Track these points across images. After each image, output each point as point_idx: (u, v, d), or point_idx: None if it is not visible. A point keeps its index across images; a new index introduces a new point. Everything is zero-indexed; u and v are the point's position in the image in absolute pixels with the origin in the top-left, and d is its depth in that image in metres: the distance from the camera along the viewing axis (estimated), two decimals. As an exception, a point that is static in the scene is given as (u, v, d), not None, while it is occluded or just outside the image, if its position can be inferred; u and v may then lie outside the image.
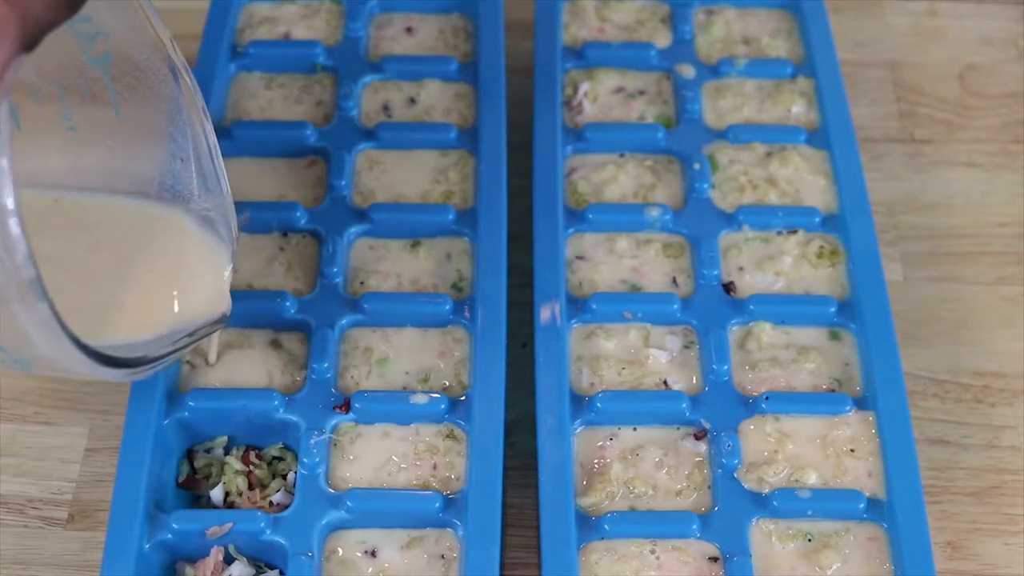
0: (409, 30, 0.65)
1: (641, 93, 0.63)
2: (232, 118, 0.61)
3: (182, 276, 0.48)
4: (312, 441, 0.50)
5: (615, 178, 0.59)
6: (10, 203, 0.34)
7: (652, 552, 0.48)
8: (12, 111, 0.38)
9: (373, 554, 0.48)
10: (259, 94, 0.62)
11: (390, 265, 0.56)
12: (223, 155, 0.59)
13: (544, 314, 0.54)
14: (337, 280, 0.55)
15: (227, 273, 0.50)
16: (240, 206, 0.57)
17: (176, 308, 0.48)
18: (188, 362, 0.53)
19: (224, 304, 0.50)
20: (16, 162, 0.34)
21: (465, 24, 0.65)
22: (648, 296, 0.55)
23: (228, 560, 0.49)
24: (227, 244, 0.50)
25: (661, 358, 0.53)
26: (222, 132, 0.60)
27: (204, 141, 0.48)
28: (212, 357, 0.53)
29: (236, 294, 0.54)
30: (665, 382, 0.53)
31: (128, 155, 0.48)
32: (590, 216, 0.57)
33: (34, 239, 0.36)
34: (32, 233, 0.35)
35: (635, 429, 0.51)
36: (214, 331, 0.49)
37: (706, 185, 0.58)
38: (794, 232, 0.57)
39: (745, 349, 0.54)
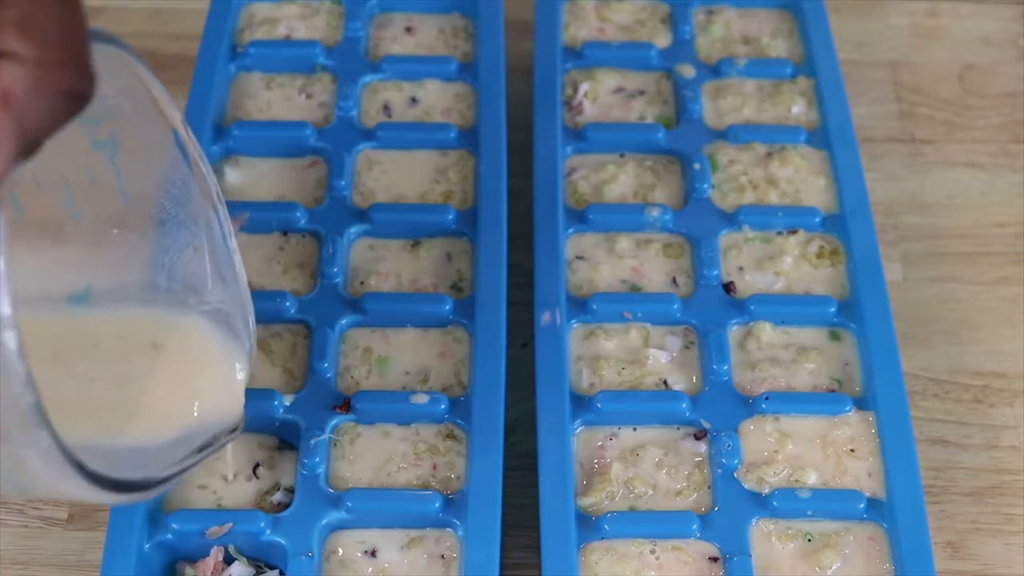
0: (409, 30, 0.65)
1: (641, 93, 0.63)
2: (232, 118, 0.61)
3: (191, 378, 0.45)
4: (312, 441, 0.50)
5: (615, 178, 0.59)
6: (11, 339, 0.31)
7: (652, 552, 0.48)
8: (14, 200, 0.36)
9: (373, 554, 0.48)
10: (259, 94, 0.62)
11: (390, 265, 0.56)
12: (223, 155, 0.59)
13: (544, 314, 0.54)
14: (337, 280, 0.55)
15: (242, 375, 0.46)
16: (240, 206, 0.57)
17: (185, 412, 0.44)
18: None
19: (238, 409, 0.45)
20: (17, 262, 0.31)
21: (465, 24, 0.65)
22: (648, 296, 0.55)
23: (228, 560, 0.48)
24: (243, 342, 0.46)
25: (661, 358, 0.53)
26: (222, 132, 0.60)
27: (218, 228, 0.45)
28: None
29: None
30: (665, 382, 0.53)
31: (137, 243, 0.44)
32: (590, 216, 0.57)
33: (36, 349, 0.32)
34: (34, 344, 0.32)
35: (635, 429, 0.51)
36: (226, 442, 0.45)
37: (706, 185, 0.58)
38: (794, 232, 0.57)
39: (745, 349, 0.54)
